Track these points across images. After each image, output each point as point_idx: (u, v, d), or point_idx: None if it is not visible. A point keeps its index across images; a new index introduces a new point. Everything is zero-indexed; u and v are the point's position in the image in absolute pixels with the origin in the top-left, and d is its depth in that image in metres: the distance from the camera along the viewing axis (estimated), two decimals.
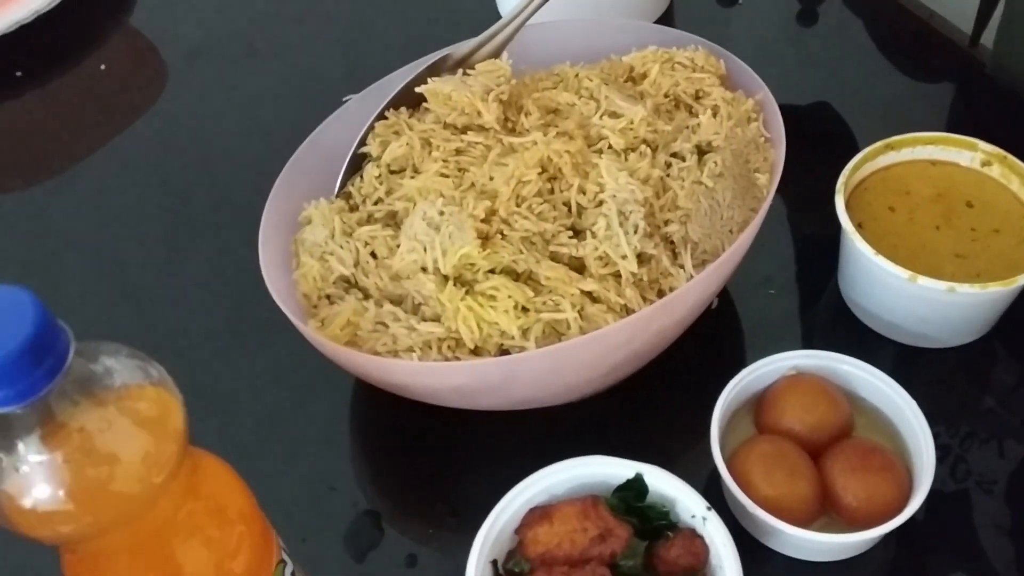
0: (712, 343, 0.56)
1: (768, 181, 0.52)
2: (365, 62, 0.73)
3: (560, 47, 0.60)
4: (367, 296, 0.50)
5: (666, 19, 0.75)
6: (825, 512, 0.47)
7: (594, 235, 0.47)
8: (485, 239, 0.47)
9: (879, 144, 0.56)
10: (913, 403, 0.47)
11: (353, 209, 0.53)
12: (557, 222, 0.48)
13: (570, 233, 0.48)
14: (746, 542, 0.46)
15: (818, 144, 0.66)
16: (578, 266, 0.48)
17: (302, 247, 0.53)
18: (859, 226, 0.54)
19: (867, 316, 0.56)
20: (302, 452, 0.54)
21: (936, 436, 0.47)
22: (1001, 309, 0.53)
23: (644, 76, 0.56)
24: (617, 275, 0.47)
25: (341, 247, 0.51)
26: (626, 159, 0.50)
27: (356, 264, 0.50)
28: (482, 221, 0.47)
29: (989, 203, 0.55)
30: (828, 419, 0.48)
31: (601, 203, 0.48)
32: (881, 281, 0.52)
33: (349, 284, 0.51)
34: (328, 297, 0.51)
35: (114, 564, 0.35)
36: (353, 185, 0.55)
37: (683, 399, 0.54)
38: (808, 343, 0.56)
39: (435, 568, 0.48)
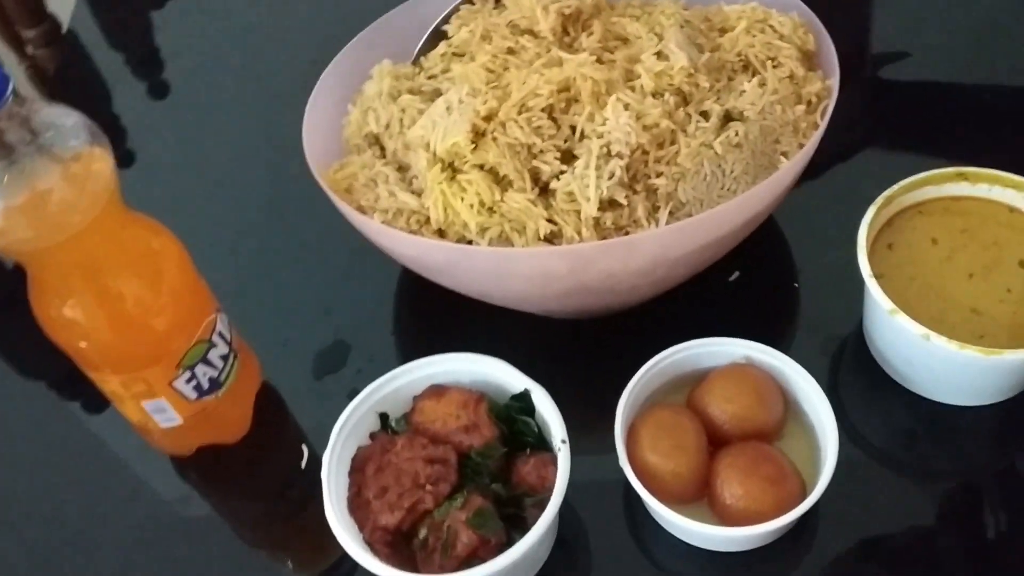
0: (707, 309, 0.56)
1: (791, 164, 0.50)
2: None
3: None
4: (383, 156, 0.54)
5: None
6: (702, 499, 0.47)
7: (572, 168, 0.48)
8: (480, 135, 0.50)
9: (949, 171, 0.51)
10: (833, 421, 0.45)
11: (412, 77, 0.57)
12: (550, 140, 0.49)
13: (558, 154, 0.49)
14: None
15: (898, 146, 0.61)
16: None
17: (360, 97, 0.58)
18: (889, 246, 0.51)
19: (868, 340, 0.53)
20: (322, 277, 0.62)
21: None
22: (995, 379, 0.48)
23: (732, 29, 0.55)
24: (580, 212, 0.48)
25: (382, 107, 0.55)
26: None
27: (387, 126, 0.55)
28: (484, 119, 0.50)
29: None
30: (748, 414, 0.47)
31: (601, 135, 0.49)
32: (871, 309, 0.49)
33: (375, 141, 0.55)
34: (357, 147, 0.56)
35: (54, 288, 0.44)
36: (425, 57, 0.58)
37: (652, 351, 0.53)
38: (813, 347, 0.54)
39: None
